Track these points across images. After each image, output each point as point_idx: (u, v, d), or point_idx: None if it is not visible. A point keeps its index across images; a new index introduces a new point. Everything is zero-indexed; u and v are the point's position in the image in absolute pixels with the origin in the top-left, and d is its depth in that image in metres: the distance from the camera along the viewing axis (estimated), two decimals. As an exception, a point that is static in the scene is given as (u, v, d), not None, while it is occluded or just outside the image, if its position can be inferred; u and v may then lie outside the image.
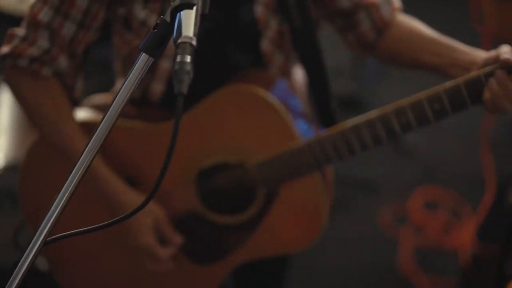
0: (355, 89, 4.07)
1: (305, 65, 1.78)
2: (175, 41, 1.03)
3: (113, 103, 1.12)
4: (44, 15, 1.60)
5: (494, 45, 2.87)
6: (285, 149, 1.70)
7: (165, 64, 1.71)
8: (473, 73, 1.52)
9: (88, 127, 1.72)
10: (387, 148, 3.62)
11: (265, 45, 1.74)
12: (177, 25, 1.05)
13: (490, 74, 1.48)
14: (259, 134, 1.74)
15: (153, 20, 1.63)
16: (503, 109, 1.48)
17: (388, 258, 3.11)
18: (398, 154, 3.67)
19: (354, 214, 3.34)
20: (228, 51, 1.73)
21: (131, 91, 1.13)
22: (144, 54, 1.12)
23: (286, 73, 1.81)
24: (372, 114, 1.62)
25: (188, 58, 1.00)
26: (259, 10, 1.69)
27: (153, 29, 1.12)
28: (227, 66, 1.74)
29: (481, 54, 1.60)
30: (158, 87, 1.74)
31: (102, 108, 1.80)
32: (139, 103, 1.78)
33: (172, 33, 1.05)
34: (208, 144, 1.74)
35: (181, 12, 1.06)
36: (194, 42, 1.02)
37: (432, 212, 3.29)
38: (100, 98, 1.88)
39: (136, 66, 1.12)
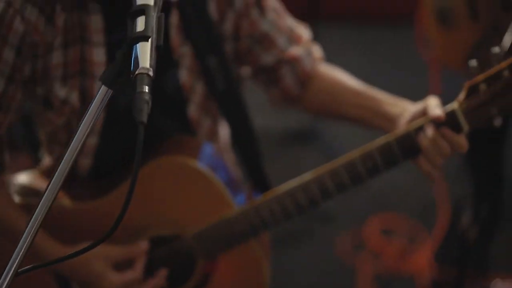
0: (309, 122, 4.09)
1: (232, 128, 1.79)
2: (133, 72, 1.06)
3: (71, 143, 1.14)
4: None
5: (443, 72, 2.96)
6: (220, 218, 1.70)
7: (91, 140, 1.69)
8: (402, 129, 1.54)
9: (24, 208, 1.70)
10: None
11: (192, 111, 1.74)
12: (134, 57, 1.09)
13: (419, 129, 1.51)
14: (192, 204, 1.74)
15: (74, 97, 1.62)
16: (434, 164, 1.51)
17: (348, 286, 3.13)
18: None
19: (312, 244, 3.36)
20: (154, 118, 1.69)
21: (91, 125, 1.14)
22: (103, 86, 1.14)
23: (214, 135, 1.81)
24: (307, 176, 1.63)
25: (146, 88, 1.04)
26: (184, 75, 1.70)
27: (111, 62, 1.15)
28: (154, 133, 1.70)
29: (407, 106, 1.62)
30: (85, 162, 1.71)
31: (31, 188, 1.78)
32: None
33: (128, 65, 1.09)
34: (142, 219, 1.72)
35: (137, 44, 1.10)
36: (151, 73, 1.06)
37: (389, 239, 3.33)
38: (25, 176, 1.84)
39: (95, 99, 1.14)
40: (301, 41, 1.79)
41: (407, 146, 1.52)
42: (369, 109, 1.69)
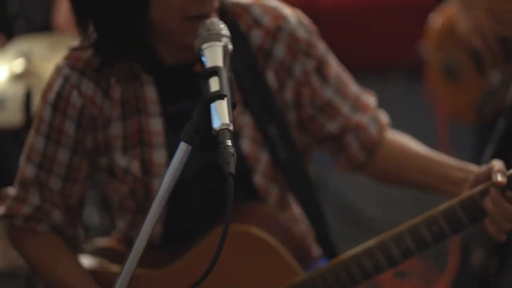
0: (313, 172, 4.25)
1: (297, 196, 1.76)
2: (214, 129, 1.17)
3: (155, 201, 1.25)
4: (30, 173, 1.63)
5: (450, 123, 3.11)
6: (286, 285, 1.68)
7: (158, 183, 1.64)
8: (467, 194, 1.51)
9: (96, 275, 1.71)
10: (349, 223, 3.82)
11: (258, 180, 1.71)
12: (213, 115, 1.20)
13: (484, 192, 1.48)
14: (258, 273, 1.71)
15: (135, 166, 1.64)
16: (501, 228, 1.47)
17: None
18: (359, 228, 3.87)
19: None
20: (220, 188, 1.68)
21: (173, 182, 1.26)
22: (182, 143, 1.25)
23: (284, 205, 1.77)
24: (370, 242, 1.61)
25: (229, 142, 1.15)
26: (245, 145, 1.69)
27: (189, 120, 1.26)
28: (220, 203, 1.69)
29: (472, 169, 1.59)
30: (156, 229, 1.68)
31: (106, 252, 1.79)
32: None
33: (205, 122, 1.21)
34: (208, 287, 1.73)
35: (214, 103, 1.21)
36: (231, 128, 1.17)
37: (403, 280, 3.42)
38: (103, 241, 1.85)
39: (176, 156, 1.25)
40: (367, 108, 1.76)
41: (472, 210, 1.50)
42: (436, 175, 1.66)
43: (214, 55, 1.29)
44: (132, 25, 1.55)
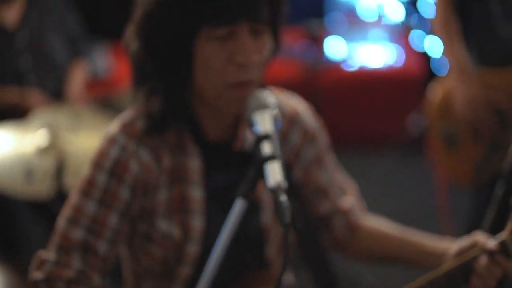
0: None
1: (311, 268, 1.80)
2: (269, 187, 1.35)
3: (215, 254, 1.40)
4: (77, 236, 1.66)
5: (449, 189, 3.22)
6: None
7: (192, 248, 1.72)
8: (459, 260, 1.60)
9: None
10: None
11: (269, 250, 1.79)
12: (268, 174, 1.37)
13: (474, 259, 1.59)
14: None
15: (176, 231, 1.69)
16: (487, 286, 1.58)
17: None
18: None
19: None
20: (233, 255, 1.70)
21: (230, 236, 1.42)
22: (239, 199, 1.40)
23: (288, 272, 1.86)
24: None
25: (284, 197, 1.32)
26: (265, 218, 1.77)
27: (245, 178, 1.43)
28: (230, 270, 1.74)
29: (448, 243, 1.72)
30: (184, 271, 1.73)
31: None
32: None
33: (258, 180, 1.40)
34: None
35: (267, 163, 1.39)
36: (284, 185, 1.33)
37: None
38: None
39: (234, 213, 1.41)
40: (350, 194, 1.90)
41: (469, 272, 1.59)
42: (415, 249, 1.78)
43: (264, 121, 1.48)
44: (179, 90, 1.66)
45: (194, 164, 1.70)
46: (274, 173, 1.38)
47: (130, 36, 1.69)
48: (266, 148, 1.42)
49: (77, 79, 3.90)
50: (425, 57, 5.69)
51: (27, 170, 2.75)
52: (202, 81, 1.63)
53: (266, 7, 1.59)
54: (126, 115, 1.74)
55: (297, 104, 1.86)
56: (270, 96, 1.56)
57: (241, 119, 1.72)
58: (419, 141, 5.35)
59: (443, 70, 5.48)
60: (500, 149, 2.96)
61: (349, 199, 1.90)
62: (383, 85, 5.55)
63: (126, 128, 1.70)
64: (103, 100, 4.47)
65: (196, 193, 1.70)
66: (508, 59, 2.92)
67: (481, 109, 2.93)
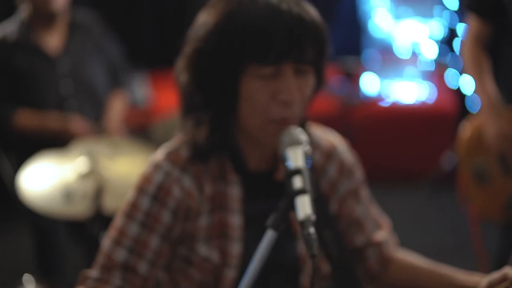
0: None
1: None
2: (299, 219, 1.43)
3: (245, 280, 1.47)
4: (120, 256, 1.72)
5: (481, 223, 3.21)
6: None
7: (229, 273, 1.77)
8: None
9: None
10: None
11: (304, 279, 1.83)
12: (298, 208, 1.45)
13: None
14: None
15: (215, 255, 1.75)
16: None
17: None
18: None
19: None
20: (270, 281, 1.80)
21: (261, 265, 1.49)
22: (270, 230, 1.48)
23: None
24: None
25: (312, 230, 1.40)
26: (301, 247, 1.81)
27: (276, 211, 1.51)
28: None
29: (478, 278, 1.75)
30: (230, 273, 1.77)
31: None
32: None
33: (289, 212, 1.48)
34: None
35: (298, 197, 1.47)
36: (313, 217, 1.42)
37: None
38: None
39: (264, 243, 1.48)
40: (384, 228, 1.96)
41: None
42: (446, 282, 1.82)
43: (296, 157, 1.56)
44: (224, 122, 1.74)
45: (234, 192, 1.77)
46: (303, 206, 1.46)
47: (180, 69, 1.76)
48: (297, 182, 1.50)
49: (116, 109, 4.00)
50: (459, 94, 5.73)
51: (67, 193, 2.85)
52: (246, 115, 1.71)
53: (311, 48, 1.67)
54: (171, 143, 1.81)
55: (334, 139, 1.93)
56: (303, 133, 1.63)
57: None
58: (451, 178, 5.36)
59: (476, 108, 5.55)
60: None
61: (383, 232, 1.95)
62: (416, 121, 5.58)
63: (171, 156, 1.77)
64: (141, 129, 4.56)
65: (235, 220, 1.77)
66: None
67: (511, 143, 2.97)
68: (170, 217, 1.74)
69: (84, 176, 2.91)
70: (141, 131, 4.50)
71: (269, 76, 1.66)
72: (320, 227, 1.72)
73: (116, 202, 2.77)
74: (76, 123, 3.66)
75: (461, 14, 5.76)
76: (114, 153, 3.12)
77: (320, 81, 1.76)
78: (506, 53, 3.08)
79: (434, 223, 4.88)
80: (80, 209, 2.81)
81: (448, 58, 6.00)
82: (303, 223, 1.42)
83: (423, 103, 5.65)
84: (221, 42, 1.67)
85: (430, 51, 5.87)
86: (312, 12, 1.69)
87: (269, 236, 1.49)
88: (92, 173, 2.92)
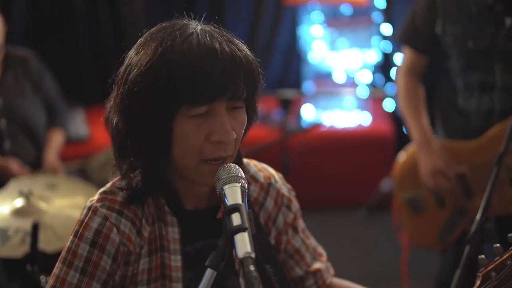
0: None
1: None
2: (239, 257, 1.37)
3: None
4: None
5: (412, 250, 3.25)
6: None
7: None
8: None
9: None
10: None
11: None
12: (237, 245, 1.40)
13: None
14: None
15: None
16: None
17: None
18: None
19: None
20: None
21: None
22: (209, 270, 1.44)
23: None
24: None
25: (252, 267, 1.34)
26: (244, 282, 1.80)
27: (214, 250, 1.45)
28: None
29: None
30: None
31: None
32: None
33: (227, 251, 1.44)
34: None
35: (237, 235, 1.41)
36: (253, 255, 1.36)
37: None
38: None
39: (203, 282, 1.44)
40: (321, 257, 1.99)
41: None
42: None
43: (234, 194, 1.52)
44: (158, 164, 1.69)
45: (173, 233, 1.75)
46: (242, 244, 1.41)
47: (110, 111, 1.72)
48: (235, 220, 1.46)
49: (54, 147, 3.98)
50: (395, 120, 5.85)
51: (2, 231, 2.80)
52: (180, 156, 1.66)
53: (244, 85, 1.64)
54: (108, 186, 1.77)
55: (270, 172, 1.93)
56: (238, 169, 1.60)
57: None
58: (388, 204, 5.45)
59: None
60: (464, 215, 3.03)
61: (321, 262, 1.98)
62: (354, 146, 5.64)
63: (108, 200, 1.73)
64: (79, 164, 4.53)
65: (175, 262, 1.74)
66: (469, 132, 2.96)
67: (443, 179, 2.97)
68: (110, 263, 1.69)
69: (20, 215, 2.88)
70: (80, 167, 4.47)
71: (202, 115, 1.63)
72: (261, 261, 1.74)
73: (53, 240, 2.76)
74: (12, 165, 3.62)
75: (396, 43, 5.89)
76: (50, 190, 3.09)
77: (253, 115, 1.74)
78: (441, 85, 3.12)
79: (370, 251, 4.93)
80: (15, 247, 2.76)
81: (384, 84, 6.12)
82: (243, 261, 1.37)
83: (361, 128, 5.74)
84: (154, 83, 1.62)
85: (367, 79, 5.97)
86: (244, 49, 1.67)
87: (208, 275, 1.46)
88: (28, 211, 2.88)
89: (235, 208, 1.48)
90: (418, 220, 3.17)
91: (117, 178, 1.78)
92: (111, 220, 1.70)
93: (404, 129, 5.87)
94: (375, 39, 5.94)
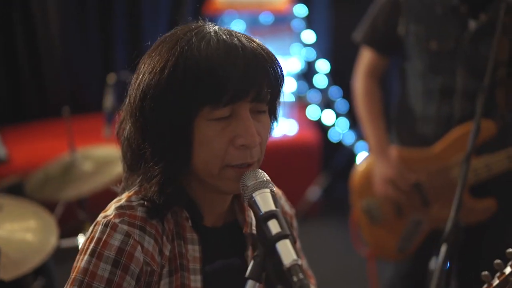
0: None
1: None
2: (285, 266, 1.28)
3: None
4: None
5: (377, 262, 3.24)
6: None
7: None
8: None
9: None
10: None
11: None
12: (281, 253, 1.31)
13: None
14: None
15: None
16: None
17: None
18: None
19: None
20: None
21: None
22: (250, 281, 1.35)
23: None
24: None
25: (302, 275, 1.26)
26: None
27: (253, 259, 1.36)
28: None
29: None
30: None
31: None
32: None
33: (267, 260, 1.33)
34: None
35: (278, 243, 1.33)
36: (299, 262, 1.28)
37: None
38: None
39: None
40: (312, 280, 1.94)
41: None
42: None
43: (266, 200, 1.43)
44: (178, 172, 1.57)
45: (193, 251, 1.64)
46: (287, 251, 1.32)
47: (123, 120, 1.62)
48: (273, 227, 1.37)
49: None
50: (320, 127, 5.88)
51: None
52: (202, 163, 1.55)
53: (266, 86, 1.53)
54: (123, 201, 1.63)
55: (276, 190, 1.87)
56: (263, 173, 1.51)
57: (239, 201, 1.71)
58: (316, 209, 5.47)
59: (339, 138, 5.69)
60: (422, 225, 3.03)
61: (311, 282, 1.92)
62: (280, 155, 5.60)
63: (127, 215, 1.59)
64: (8, 185, 4.34)
65: (195, 281, 1.64)
66: (427, 139, 2.96)
67: (394, 189, 2.96)
68: (133, 284, 1.56)
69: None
70: (9, 188, 4.28)
71: (225, 118, 1.53)
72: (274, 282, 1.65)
73: (9, 267, 2.58)
74: None
75: (318, 50, 5.92)
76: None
77: (273, 120, 1.65)
78: (398, 89, 3.09)
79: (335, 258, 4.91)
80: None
81: (307, 92, 6.14)
82: (291, 270, 1.28)
83: (286, 137, 5.73)
84: (172, 86, 1.50)
85: (290, 87, 5.98)
86: (265, 47, 1.56)
87: (250, 287, 1.36)
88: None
89: (272, 215, 1.40)
90: (377, 231, 3.15)
91: (131, 192, 1.65)
92: (135, 237, 1.56)
93: (329, 137, 5.96)
94: (296, 46, 5.94)
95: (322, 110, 5.99)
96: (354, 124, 5.81)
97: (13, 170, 4.79)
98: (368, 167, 3.15)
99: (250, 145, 1.54)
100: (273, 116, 1.65)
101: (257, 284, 1.36)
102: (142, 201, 1.61)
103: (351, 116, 5.85)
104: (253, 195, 1.46)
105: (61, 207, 4.30)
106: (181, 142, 1.54)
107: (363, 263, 3.43)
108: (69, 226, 3.85)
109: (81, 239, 3.99)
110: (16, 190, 3.92)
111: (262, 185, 1.47)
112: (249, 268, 1.37)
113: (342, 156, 5.83)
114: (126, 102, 1.61)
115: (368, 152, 3.17)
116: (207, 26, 1.58)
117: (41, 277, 3.57)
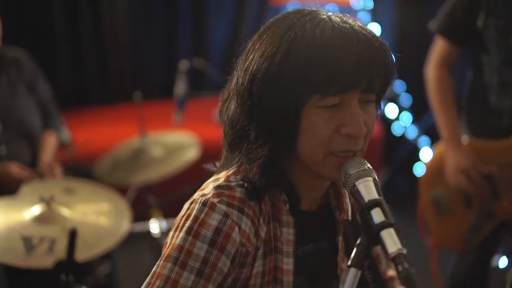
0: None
1: None
2: (391, 254, 1.30)
3: None
4: None
5: (440, 255, 3.24)
6: None
7: None
8: None
9: None
10: None
11: None
12: (386, 242, 1.32)
13: None
14: None
15: None
16: None
17: None
18: None
19: None
20: None
21: None
22: (352, 269, 1.36)
23: None
24: None
25: (407, 265, 1.27)
26: None
27: (356, 247, 1.38)
28: None
29: None
30: None
31: None
32: None
33: (371, 249, 1.36)
34: None
35: (383, 231, 1.34)
36: (404, 251, 1.29)
37: None
38: None
39: (347, 281, 1.36)
40: (392, 266, 1.94)
41: None
42: None
43: (369, 189, 1.43)
44: (282, 156, 1.58)
45: (287, 234, 1.64)
46: (392, 240, 1.33)
47: (227, 101, 1.64)
48: (376, 216, 1.38)
49: (50, 149, 3.87)
50: (384, 120, 5.85)
51: (26, 240, 2.66)
52: (306, 147, 1.55)
53: (379, 75, 1.53)
54: (222, 180, 1.64)
55: None
56: (366, 162, 1.52)
57: (335, 188, 1.72)
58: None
59: (402, 132, 5.65)
60: (491, 217, 3.01)
61: (392, 270, 1.94)
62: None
63: (226, 196, 1.60)
64: (72, 167, 4.41)
65: (287, 264, 1.64)
66: (500, 131, 2.94)
67: (466, 179, 2.95)
68: (228, 265, 1.57)
69: (42, 222, 2.74)
70: (73, 169, 4.35)
71: (333, 106, 1.52)
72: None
73: (82, 248, 2.62)
74: (12, 168, 3.50)
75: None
76: (70, 196, 2.96)
77: (378, 111, 1.64)
78: (471, 80, 3.08)
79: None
80: (43, 256, 2.62)
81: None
82: (396, 259, 1.29)
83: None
84: (283, 72, 1.50)
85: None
86: (379, 38, 1.54)
87: (353, 275, 1.38)
88: (50, 218, 2.75)
89: (376, 203, 1.39)
90: (443, 222, 3.14)
91: (229, 172, 1.66)
92: (233, 218, 1.57)
93: (392, 131, 5.92)
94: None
95: (385, 104, 5.95)
96: (418, 119, 5.76)
97: (79, 154, 4.85)
98: (438, 157, 3.14)
99: (356, 135, 1.53)
100: (378, 106, 1.64)
101: (359, 272, 1.37)
102: (241, 182, 1.62)
103: (415, 110, 5.81)
104: (356, 183, 1.46)
105: (133, 192, 4.36)
106: (288, 127, 1.54)
107: (426, 256, 3.39)
108: (137, 211, 3.89)
109: (153, 224, 4.05)
110: (84, 174, 3.98)
111: (365, 173, 1.47)
112: (352, 256, 1.38)
113: (405, 150, 5.79)
114: (233, 83, 1.62)
115: (440, 144, 3.15)
116: (321, 12, 1.57)
117: (107, 261, 3.62)
